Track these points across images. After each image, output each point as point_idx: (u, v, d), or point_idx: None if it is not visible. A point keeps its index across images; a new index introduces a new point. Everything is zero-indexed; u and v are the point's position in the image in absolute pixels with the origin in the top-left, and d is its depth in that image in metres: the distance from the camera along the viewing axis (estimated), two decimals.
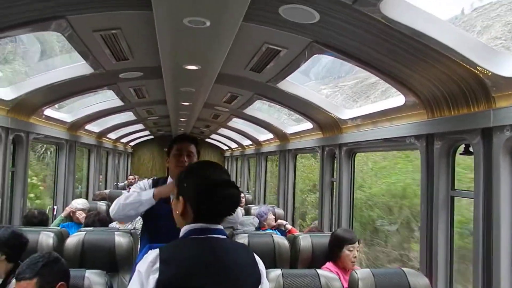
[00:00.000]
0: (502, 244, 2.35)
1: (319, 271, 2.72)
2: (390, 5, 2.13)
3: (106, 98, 6.11)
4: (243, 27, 2.76)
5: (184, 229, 1.54)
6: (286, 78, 4.10)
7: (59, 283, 2.07)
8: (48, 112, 5.09)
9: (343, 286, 2.70)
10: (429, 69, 2.61)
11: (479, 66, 2.29)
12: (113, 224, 5.11)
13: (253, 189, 9.92)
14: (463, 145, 2.76)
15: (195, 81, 4.13)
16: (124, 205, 2.58)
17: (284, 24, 2.70)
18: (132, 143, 14.06)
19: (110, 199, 6.51)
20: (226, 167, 15.35)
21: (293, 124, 6.78)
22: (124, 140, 11.97)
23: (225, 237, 1.54)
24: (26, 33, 2.97)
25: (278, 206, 6.86)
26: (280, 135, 7.07)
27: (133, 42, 3.26)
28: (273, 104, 5.89)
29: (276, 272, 2.63)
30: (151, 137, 14.14)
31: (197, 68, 3.51)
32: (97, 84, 4.55)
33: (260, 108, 7.06)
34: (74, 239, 3.28)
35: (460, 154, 2.80)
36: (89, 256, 3.21)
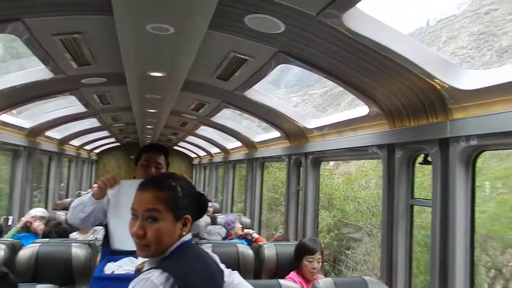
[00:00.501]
0: (457, 250, 2.42)
1: (281, 281, 2.71)
2: (353, 18, 2.17)
3: (69, 104, 5.92)
4: (209, 35, 2.75)
5: (180, 243, 1.45)
6: (253, 87, 4.11)
7: None
8: (4, 117, 4.88)
9: None
10: (391, 81, 2.68)
11: (436, 79, 2.37)
12: (73, 235, 4.94)
13: (221, 197, 9.85)
14: (422, 155, 2.84)
15: (160, 88, 4.07)
16: (73, 208, 2.56)
17: (250, 33, 2.71)
18: (96, 150, 13.69)
19: None
20: (194, 175, 15.20)
21: (262, 132, 6.80)
22: (88, 147, 11.63)
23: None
24: None
25: (245, 215, 6.84)
26: (248, 143, 7.07)
27: (95, 47, 3.18)
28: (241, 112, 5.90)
29: None
30: (117, 144, 13.81)
31: (162, 75, 3.46)
32: (58, 90, 4.40)
33: (229, 116, 7.05)
34: (27, 251, 3.15)
35: (419, 163, 2.88)
36: (44, 269, 3.09)
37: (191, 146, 12.22)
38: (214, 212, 7.36)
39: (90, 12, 2.54)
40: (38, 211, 4.94)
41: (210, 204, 7.38)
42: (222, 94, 4.61)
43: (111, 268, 2.53)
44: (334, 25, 2.22)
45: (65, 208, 6.39)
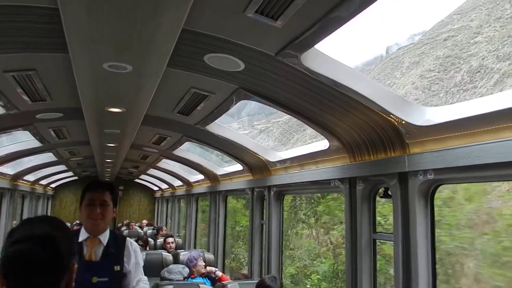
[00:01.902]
0: (420, 282, 2.44)
1: None
2: (311, 58, 2.22)
3: (23, 139, 5.66)
4: (169, 72, 2.73)
5: None
6: (215, 121, 4.09)
7: None
8: None
9: None
10: (350, 116, 2.74)
11: (392, 115, 2.44)
12: None
13: (184, 231, 9.60)
14: (383, 188, 2.89)
15: (119, 123, 3.97)
16: None
17: (211, 71, 2.71)
18: (53, 185, 13.11)
19: None
20: (156, 208, 14.81)
21: (225, 165, 6.75)
22: (43, 182, 11.12)
23: None
24: None
25: (208, 251, 6.66)
26: (210, 176, 6.98)
27: (50, 83, 3.08)
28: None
29: None
30: (75, 178, 13.31)
31: (121, 110, 3.39)
32: (11, 125, 4.20)
33: (191, 149, 6.96)
34: None
35: (380, 197, 2.92)
36: None
37: (153, 179, 11.95)
38: (176, 248, 7.13)
39: (45, 50, 2.47)
40: None
41: (171, 239, 7.15)
42: (183, 128, 4.56)
43: None
44: (292, 64, 2.26)
45: None
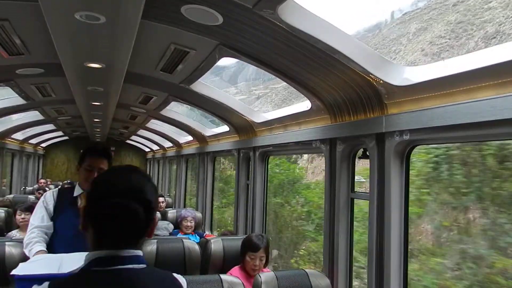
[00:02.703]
0: (392, 241, 2.49)
1: (222, 276, 2.67)
2: (288, 11, 2.15)
3: (7, 96, 5.57)
4: (146, 26, 2.65)
5: (86, 258, 1.19)
6: (199, 80, 4.03)
7: None
8: None
9: None
10: (330, 75, 2.69)
11: (372, 75, 2.41)
12: (13, 233, 4.69)
13: (174, 192, 9.70)
14: (362, 149, 2.90)
15: (101, 80, 3.90)
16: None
17: (189, 24, 2.63)
18: (43, 144, 13.07)
19: (14, 204, 5.95)
20: (148, 169, 14.88)
21: (213, 126, 6.73)
22: (33, 141, 11.07)
23: (141, 266, 1.19)
24: None
25: (197, 209, 6.76)
26: (199, 138, 6.97)
27: (26, 35, 2.98)
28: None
29: None
30: (66, 138, 13.26)
31: (100, 66, 3.32)
32: None
33: (180, 110, 6.92)
34: None
35: (359, 158, 2.93)
36: None
37: (144, 140, 11.94)
38: (167, 207, 7.23)
39: None
40: None
41: (162, 199, 7.25)
42: (168, 87, 4.50)
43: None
44: (270, 17, 2.19)
45: (6, 205, 6.05)
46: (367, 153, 2.78)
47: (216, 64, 3.46)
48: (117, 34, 2.52)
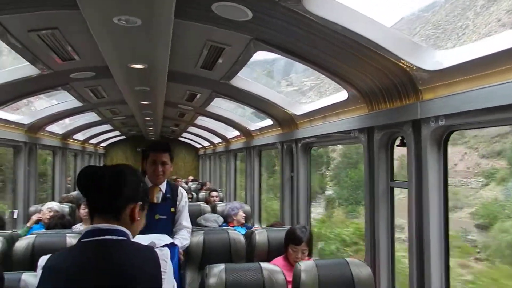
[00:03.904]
0: (431, 230, 2.44)
1: (262, 264, 2.74)
2: (314, 1, 2.17)
3: (65, 99, 6.00)
4: (181, 25, 2.77)
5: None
6: (238, 75, 4.12)
7: None
8: (1, 114, 4.98)
9: (286, 279, 2.74)
10: (362, 64, 2.67)
11: (403, 60, 2.36)
12: (77, 226, 5.05)
13: (225, 186, 9.93)
14: (400, 137, 2.84)
15: (146, 80, 4.10)
16: None
17: (221, 21, 2.72)
18: (103, 144, 13.86)
19: (77, 200, 6.41)
20: (200, 165, 15.33)
21: (257, 120, 6.82)
22: (93, 141, 11.78)
23: (120, 238, 1.42)
24: None
25: (246, 203, 6.89)
26: (245, 132, 7.09)
27: (75, 41, 3.22)
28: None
29: (219, 267, 2.64)
30: (123, 137, 13.97)
31: (143, 66, 3.49)
32: (48, 85, 4.46)
33: (226, 106, 7.06)
34: (23, 242, 3.22)
35: (397, 146, 2.88)
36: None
37: (195, 137, 12.30)
38: (219, 201, 7.44)
39: (61, 7, 2.57)
40: (54, 204, 5.10)
41: (215, 193, 7.47)
42: (210, 84, 4.63)
43: None
44: (296, 9, 2.22)
45: (70, 201, 6.53)
46: (404, 141, 2.73)
47: (264, 58, 3.53)
48: (154, 34, 2.65)
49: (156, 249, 1.51)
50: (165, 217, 3.17)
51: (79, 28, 2.92)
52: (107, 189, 1.46)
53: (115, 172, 1.50)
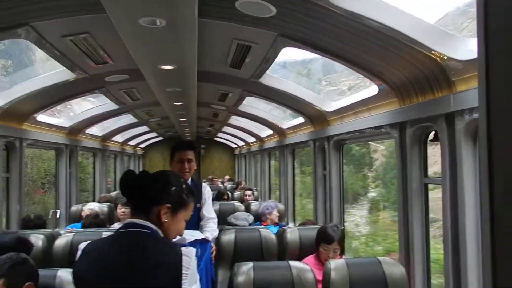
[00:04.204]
0: (467, 228, 2.32)
1: (291, 262, 2.71)
2: None
3: (102, 102, 6.21)
4: (206, 24, 2.79)
5: None
6: (267, 73, 4.11)
7: (26, 284, 2.11)
8: (44, 118, 5.22)
9: (315, 278, 2.70)
10: (392, 56, 2.59)
11: (434, 51, 2.26)
12: (115, 225, 5.21)
13: (259, 185, 9.94)
14: (433, 132, 2.73)
15: (177, 80, 4.17)
16: None
17: (246, 19, 2.71)
18: (142, 145, 14.23)
19: (115, 200, 6.61)
20: (236, 164, 15.45)
21: (290, 119, 6.77)
22: (132, 142, 12.12)
23: (145, 231, 1.55)
24: None
25: (280, 202, 6.86)
26: (278, 131, 7.07)
27: (106, 45, 3.31)
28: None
29: (247, 265, 2.63)
30: (161, 138, 14.29)
31: (173, 67, 3.55)
32: (85, 89, 4.63)
33: (260, 105, 7.06)
34: (62, 240, 3.35)
35: (430, 140, 2.77)
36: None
37: (230, 137, 12.40)
38: (253, 200, 7.45)
39: (91, 11, 2.65)
40: (95, 206, 5.35)
41: (249, 192, 7.50)
42: (240, 83, 4.64)
43: None
44: (321, 3, 2.18)
45: (108, 201, 6.75)
46: (438, 136, 2.62)
47: (303, 59, 3.50)
48: (180, 35, 2.69)
49: (182, 247, 1.57)
50: (191, 213, 3.31)
51: (109, 31, 2.99)
52: (135, 192, 1.63)
53: (143, 177, 1.65)
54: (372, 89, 3.35)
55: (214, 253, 3.28)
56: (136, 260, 1.49)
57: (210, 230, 3.36)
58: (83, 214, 5.15)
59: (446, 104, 2.39)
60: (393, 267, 2.64)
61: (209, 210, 3.48)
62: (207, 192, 3.50)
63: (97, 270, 1.50)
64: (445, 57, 2.24)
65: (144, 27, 2.46)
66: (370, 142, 10.60)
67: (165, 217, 1.59)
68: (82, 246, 1.60)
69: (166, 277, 1.48)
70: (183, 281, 1.48)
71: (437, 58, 2.31)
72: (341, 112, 4.13)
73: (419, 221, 2.91)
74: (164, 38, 2.73)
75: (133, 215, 1.61)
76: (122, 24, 2.50)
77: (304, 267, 2.74)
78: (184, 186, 1.71)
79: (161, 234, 1.59)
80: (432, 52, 2.26)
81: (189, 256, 1.54)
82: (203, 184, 3.53)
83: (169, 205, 1.61)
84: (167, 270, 1.49)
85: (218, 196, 6.90)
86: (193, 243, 2.98)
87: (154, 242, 1.54)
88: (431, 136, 2.77)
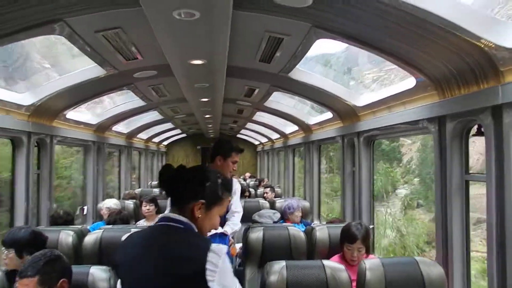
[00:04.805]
0: None
1: (325, 262, 2.63)
2: None
3: (129, 99, 6.24)
4: (239, 16, 2.73)
5: None
6: (297, 67, 4.03)
7: (61, 280, 2.11)
8: (73, 115, 5.27)
9: (350, 278, 2.62)
10: (433, 46, 2.47)
11: (483, 39, 2.14)
12: (141, 222, 5.23)
13: (283, 182, 9.87)
14: (476, 126, 2.61)
15: (206, 76, 4.14)
16: None
17: (280, 10, 2.64)
18: (165, 142, 14.35)
19: (140, 197, 6.66)
20: (258, 161, 15.41)
21: (316, 114, 6.67)
22: (156, 139, 12.22)
23: (178, 226, 1.61)
24: (25, 39, 3.04)
25: (305, 199, 6.78)
26: (303, 127, 6.98)
27: (137, 40, 3.29)
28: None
29: (280, 264, 2.56)
30: (184, 135, 14.38)
31: (203, 62, 3.52)
32: (114, 86, 4.65)
33: (286, 101, 6.98)
34: (92, 237, 3.36)
35: (473, 135, 2.65)
36: (108, 252, 3.25)
37: (253, 134, 12.36)
38: (275, 197, 7.40)
39: (124, 5, 2.63)
40: (112, 202, 5.28)
41: (269, 189, 7.45)
42: (268, 78, 4.58)
43: None
44: None
45: (133, 197, 6.80)
46: (482, 130, 2.49)
47: (323, 53, 3.43)
48: (213, 27, 2.64)
49: (213, 244, 1.59)
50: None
51: (141, 26, 2.97)
52: (172, 187, 1.68)
53: (180, 172, 1.67)
54: (407, 82, 3.24)
55: (232, 247, 3.49)
56: (163, 251, 1.55)
57: (231, 224, 3.48)
58: (102, 213, 5.14)
59: (493, 96, 2.27)
60: (431, 268, 2.53)
61: (236, 204, 3.62)
62: (237, 186, 3.63)
63: (130, 258, 1.59)
64: (493, 45, 2.12)
65: (177, 20, 2.43)
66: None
67: (198, 212, 1.62)
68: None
69: (189, 270, 1.51)
70: (208, 277, 1.49)
71: (484, 46, 2.19)
72: (373, 106, 4.02)
73: (459, 220, 2.80)
74: (197, 31, 2.69)
75: (171, 209, 1.67)
76: (155, 17, 2.47)
77: (338, 266, 2.66)
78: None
79: (196, 229, 1.62)
80: (480, 40, 2.14)
81: (218, 254, 1.55)
82: (233, 179, 3.60)
83: (203, 201, 1.63)
84: (190, 262, 1.52)
85: (240, 192, 6.86)
86: (212, 237, 3.05)
87: (184, 236, 1.60)
88: (474, 130, 2.65)
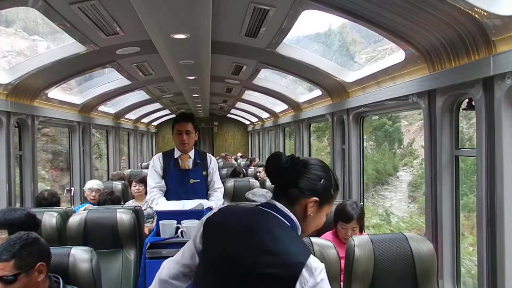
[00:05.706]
0: (505, 202, 2.16)
1: (313, 239, 2.58)
2: None
3: (113, 78, 6.07)
4: None
5: None
6: (284, 42, 3.91)
7: (38, 264, 2.03)
8: (55, 94, 5.11)
9: (338, 255, 2.58)
10: (422, 15, 2.37)
11: (476, 7, 2.05)
12: (129, 202, 5.16)
13: None
14: (467, 100, 2.54)
15: (190, 52, 4.00)
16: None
17: None
18: (154, 123, 14.18)
19: (129, 178, 6.57)
20: (249, 141, 15.35)
21: (306, 92, 6.57)
22: (145, 120, 12.06)
23: (284, 221, 1.44)
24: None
25: None
26: (293, 105, 6.89)
27: (117, 14, 3.14)
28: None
29: None
30: (173, 116, 14.21)
31: (186, 36, 3.38)
32: (96, 63, 4.49)
33: (276, 80, 6.86)
34: (76, 218, 3.28)
35: (463, 109, 2.58)
36: (92, 234, 3.19)
37: (243, 113, 12.25)
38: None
39: None
40: (94, 183, 5.16)
41: (261, 169, 7.40)
42: (256, 53, 4.45)
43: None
44: None
45: (121, 178, 6.72)
46: (473, 104, 2.42)
47: (316, 32, 3.30)
48: None
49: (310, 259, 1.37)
50: (198, 180, 3.54)
51: None
52: (284, 179, 1.47)
53: (294, 164, 1.47)
54: (397, 56, 3.14)
55: None
56: (265, 243, 1.37)
57: (215, 199, 3.55)
58: (85, 195, 5.05)
59: (484, 67, 2.19)
60: (420, 243, 2.50)
61: (217, 180, 3.67)
62: (213, 162, 3.67)
63: (225, 219, 1.49)
64: (484, 13, 2.03)
65: None
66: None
67: (311, 210, 1.46)
68: (203, 218, 1.56)
69: (275, 280, 1.32)
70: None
71: (475, 15, 2.09)
72: (362, 82, 3.93)
73: (449, 195, 2.76)
74: (178, 3, 2.55)
75: (278, 198, 1.48)
76: None
77: (326, 243, 2.61)
78: (333, 179, 1.54)
79: (299, 228, 1.47)
80: (474, 8, 2.05)
81: (312, 273, 1.32)
82: (208, 154, 3.73)
83: (317, 198, 1.47)
84: (277, 275, 1.33)
85: (234, 174, 6.81)
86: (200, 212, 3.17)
87: (284, 235, 1.40)
88: (464, 104, 2.58)
